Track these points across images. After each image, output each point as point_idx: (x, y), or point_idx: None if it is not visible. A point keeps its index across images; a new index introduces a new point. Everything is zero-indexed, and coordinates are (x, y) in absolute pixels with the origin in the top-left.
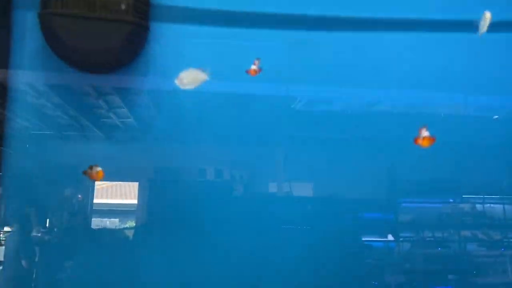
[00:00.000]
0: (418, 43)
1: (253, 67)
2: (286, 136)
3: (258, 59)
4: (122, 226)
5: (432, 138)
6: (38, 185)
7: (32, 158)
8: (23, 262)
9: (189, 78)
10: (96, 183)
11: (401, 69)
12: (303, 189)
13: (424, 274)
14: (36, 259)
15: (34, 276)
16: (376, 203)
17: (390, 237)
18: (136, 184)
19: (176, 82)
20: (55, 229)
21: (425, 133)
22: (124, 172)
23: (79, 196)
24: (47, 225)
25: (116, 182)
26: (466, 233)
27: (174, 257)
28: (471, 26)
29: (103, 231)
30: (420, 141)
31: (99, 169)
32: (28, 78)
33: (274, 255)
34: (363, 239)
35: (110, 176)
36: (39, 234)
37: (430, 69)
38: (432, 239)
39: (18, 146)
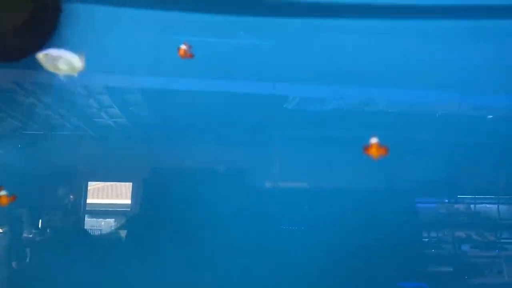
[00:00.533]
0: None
1: (183, 47)
2: (280, 135)
3: (185, 43)
4: (116, 226)
5: (384, 148)
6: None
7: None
8: (14, 264)
9: (62, 63)
10: (92, 183)
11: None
12: (299, 189)
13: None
14: (28, 260)
15: (25, 277)
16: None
17: None
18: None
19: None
20: (48, 230)
21: (374, 140)
22: None
23: (71, 196)
24: (39, 225)
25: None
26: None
27: (168, 257)
28: None
29: (97, 231)
30: (370, 151)
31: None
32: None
33: (271, 256)
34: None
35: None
36: (31, 235)
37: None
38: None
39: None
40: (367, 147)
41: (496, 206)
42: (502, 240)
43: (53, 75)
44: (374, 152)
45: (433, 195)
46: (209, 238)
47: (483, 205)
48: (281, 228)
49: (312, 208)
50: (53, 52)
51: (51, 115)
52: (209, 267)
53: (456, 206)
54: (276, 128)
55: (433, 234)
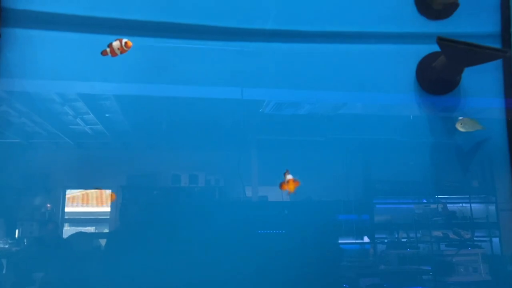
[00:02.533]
0: None
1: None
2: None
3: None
4: (95, 234)
5: (296, 181)
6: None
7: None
8: None
9: None
10: (70, 191)
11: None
12: (277, 193)
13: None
14: (4, 271)
15: None
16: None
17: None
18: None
19: None
20: (24, 240)
21: (289, 177)
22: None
23: (48, 205)
24: (16, 236)
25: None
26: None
27: (148, 263)
28: None
29: (76, 240)
30: (286, 186)
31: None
32: None
33: (251, 261)
34: (339, 241)
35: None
36: (7, 246)
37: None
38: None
39: None
40: (283, 183)
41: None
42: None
43: (26, 83)
44: (290, 187)
45: (414, 196)
46: (188, 243)
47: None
48: (259, 232)
49: (292, 212)
50: None
51: (25, 122)
52: (188, 271)
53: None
54: (253, 133)
55: (412, 235)
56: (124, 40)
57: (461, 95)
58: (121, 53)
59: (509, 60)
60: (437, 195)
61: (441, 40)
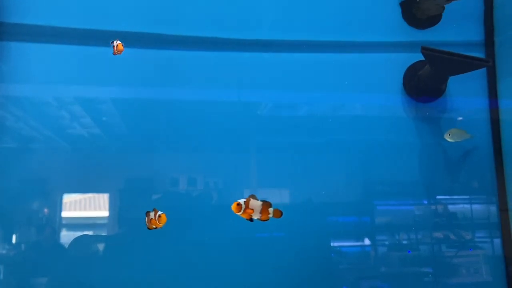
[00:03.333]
0: None
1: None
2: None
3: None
4: (93, 239)
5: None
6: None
7: None
8: None
9: None
10: (67, 195)
11: None
12: (276, 195)
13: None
14: (1, 277)
15: None
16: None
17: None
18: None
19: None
20: (22, 245)
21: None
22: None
23: (46, 209)
24: (13, 241)
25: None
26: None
27: (147, 266)
28: None
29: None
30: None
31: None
32: None
33: (251, 264)
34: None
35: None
36: (4, 251)
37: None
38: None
39: None
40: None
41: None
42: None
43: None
44: (276, 215)
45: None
46: (186, 247)
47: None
48: (257, 235)
49: (291, 214)
50: None
51: (22, 127)
52: (187, 275)
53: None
54: (251, 135)
55: (412, 236)
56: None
57: (447, 101)
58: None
59: (493, 68)
60: (427, 197)
61: (425, 50)
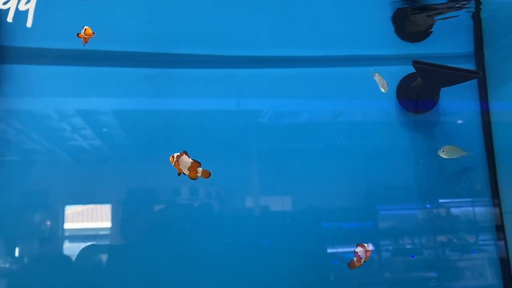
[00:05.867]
0: None
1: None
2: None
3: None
4: (96, 250)
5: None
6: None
7: None
8: None
9: None
10: (69, 207)
11: None
12: (279, 203)
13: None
14: None
15: None
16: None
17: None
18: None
19: None
20: (25, 258)
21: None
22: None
23: (48, 222)
24: (16, 254)
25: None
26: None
27: (150, 276)
28: None
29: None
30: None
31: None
32: None
33: (254, 271)
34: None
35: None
36: (7, 265)
37: None
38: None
39: None
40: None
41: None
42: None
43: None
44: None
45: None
46: (189, 256)
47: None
48: (261, 243)
49: (294, 222)
50: None
51: (23, 140)
52: (191, 283)
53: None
54: (252, 142)
55: (416, 240)
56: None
57: (440, 111)
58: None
59: (483, 79)
60: (421, 200)
61: (417, 63)
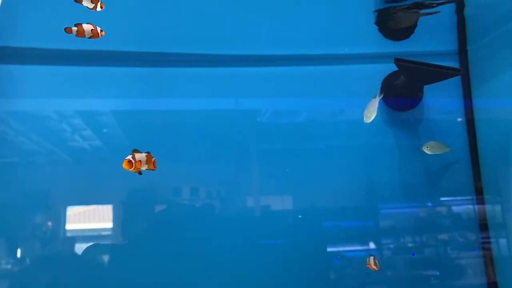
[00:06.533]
0: None
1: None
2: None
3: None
4: (97, 251)
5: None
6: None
7: None
8: None
9: None
10: (71, 208)
11: None
12: (280, 202)
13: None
14: None
15: None
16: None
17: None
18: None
19: None
20: (27, 259)
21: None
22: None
23: (49, 223)
24: (18, 255)
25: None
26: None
27: (152, 276)
28: None
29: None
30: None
31: None
32: None
33: (255, 271)
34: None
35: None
36: (9, 266)
37: None
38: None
39: None
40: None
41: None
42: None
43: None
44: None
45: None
46: (190, 256)
47: None
48: (262, 243)
49: (295, 220)
50: None
51: (23, 141)
52: (192, 283)
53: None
54: (253, 142)
55: (417, 239)
56: (99, 29)
57: (424, 109)
58: (89, 38)
59: (467, 76)
60: (405, 200)
61: (398, 61)
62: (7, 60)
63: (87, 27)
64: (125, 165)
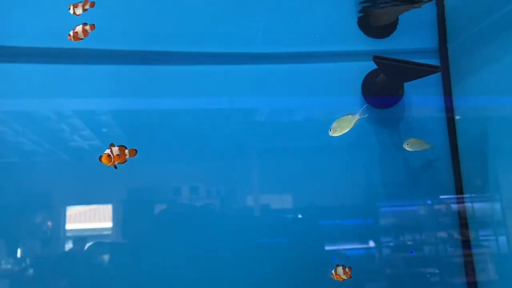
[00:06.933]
0: None
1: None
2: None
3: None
4: (98, 250)
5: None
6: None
7: None
8: None
9: None
10: (71, 208)
11: None
12: (279, 201)
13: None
14: None
15: None
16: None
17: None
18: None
19: None
20: (27, 259)
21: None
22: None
23: (49, 223)
24: (18, 255)
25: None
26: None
27: (152, 275)
28: None
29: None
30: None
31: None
32: None
33: (255, 270)
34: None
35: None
36: (9, 266)
37: None
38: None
39: None
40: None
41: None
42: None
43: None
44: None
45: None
46: (191, 255)
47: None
48: (262, 241)
49: (295, 219)
50: None
51: (23, 141)
52: (192, 283)
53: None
54: (251, 141)
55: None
56: (88, 26)
57: (405, 107)
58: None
59: (447, 73)
60: (383, 195)
61: (377, 58)
62: (5, 59)
63: (78, 28)
64: (104, 160)
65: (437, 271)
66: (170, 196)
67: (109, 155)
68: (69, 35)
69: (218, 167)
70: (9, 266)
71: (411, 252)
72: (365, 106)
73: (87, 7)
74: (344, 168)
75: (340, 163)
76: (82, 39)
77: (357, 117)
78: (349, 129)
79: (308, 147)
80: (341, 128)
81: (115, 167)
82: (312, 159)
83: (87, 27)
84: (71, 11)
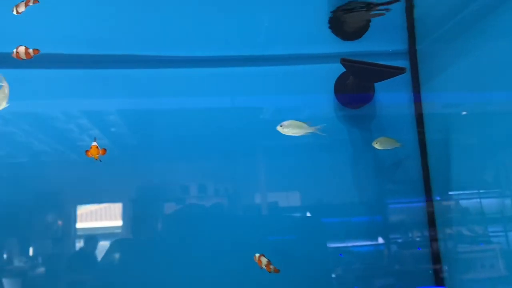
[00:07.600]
0: None
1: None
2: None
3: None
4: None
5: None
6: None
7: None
8: None
9: None
10: (81, 206)
11: None
12: (285, 198)
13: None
14: None
15: None
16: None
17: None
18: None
19: None
20: (39, 258)
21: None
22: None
23: (60, 222)
24: (30, 254)
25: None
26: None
27: (160, 273)
28: None
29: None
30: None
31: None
32: None
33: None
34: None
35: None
36: (22, 264)
37: None
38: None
39: None
40: (87, 150)
41: None
42: None
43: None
44: (94, 153)
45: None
46: (198, 253)
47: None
48: (270, 239)
49: (302, 216)
50: None
51: (32, 142)
52: (199, 282)
53: None
54: (257, 139)
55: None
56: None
57: (376, 106)
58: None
59: (416, 74)
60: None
61: (344, 61)
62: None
63: (20, 49)
64: (93, 151)
65: (403, 269)
66: (179, 194)
67: (97, 147)
68: (13, 52)
69: (223, 166)
70: (21, 265)
71: (419, 248)
72: (324, 125)
73: (30, 3)
74: (317, 167)
75: (312, 162)
76: (23, 59)
77: (311, 129)
78: (296, 135)
79: (279, 146)
80: (291, 129)
81: (100, 159)
82: (283, 157)
83: (30, 51)
84: (14, 12)
